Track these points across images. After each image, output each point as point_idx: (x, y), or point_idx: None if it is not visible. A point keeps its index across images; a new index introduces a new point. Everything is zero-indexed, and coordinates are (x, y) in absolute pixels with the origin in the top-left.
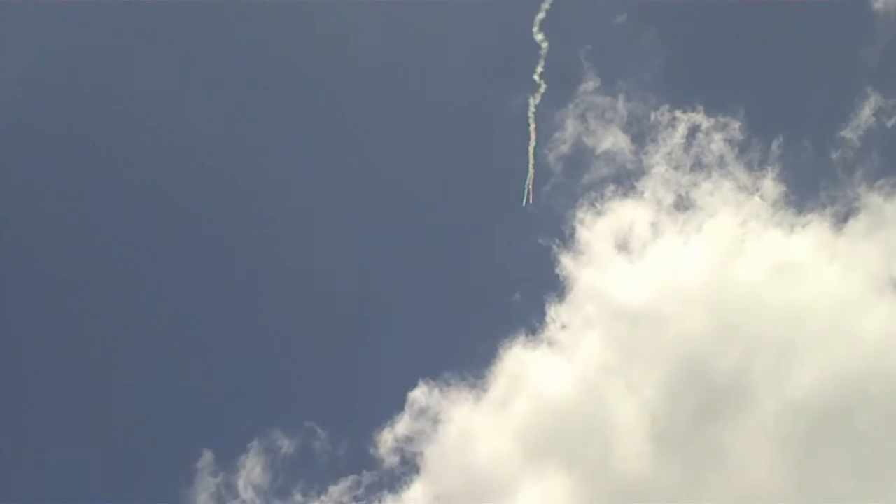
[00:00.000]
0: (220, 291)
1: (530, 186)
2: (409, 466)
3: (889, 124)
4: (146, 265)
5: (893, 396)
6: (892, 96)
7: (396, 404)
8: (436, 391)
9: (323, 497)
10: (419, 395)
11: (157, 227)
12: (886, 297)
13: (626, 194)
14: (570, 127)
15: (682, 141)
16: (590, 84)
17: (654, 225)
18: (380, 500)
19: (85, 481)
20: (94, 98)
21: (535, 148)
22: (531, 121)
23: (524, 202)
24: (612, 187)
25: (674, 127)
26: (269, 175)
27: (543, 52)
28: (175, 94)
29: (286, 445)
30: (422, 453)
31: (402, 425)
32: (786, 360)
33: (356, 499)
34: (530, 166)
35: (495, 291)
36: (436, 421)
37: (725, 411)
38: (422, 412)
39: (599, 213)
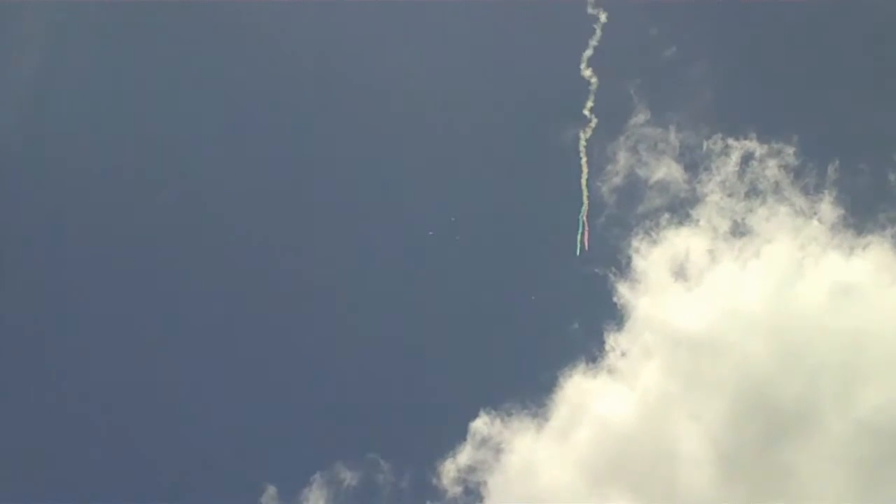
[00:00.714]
0: (283, 323)
1: (585, 233)
2: (472, 496)
3: None
4: (207, 298)
5: None
6: None
7: (458, 434)
8: (497, 421)
9: None
10: (481, 424)
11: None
12: None
13: (681, 222)
14: (623, 159)
15: (736, 168)
16: (640, 117)
17: (710, 252)
18: None
19: None
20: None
21: (587, 180)
22: (582, 154)
23: (579, 251)
24: (666, 216)
25: (727, 155)
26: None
27: (593, 87)
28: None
29: (349, 478)
30: (485, 483)
31: (465, 455)
32: (851, 384)
33: None
34: (583, 217)
35: (554, 321)
36: (498, 450)
37: (791, 437)
38: (484, 442)
39: (655, 242)
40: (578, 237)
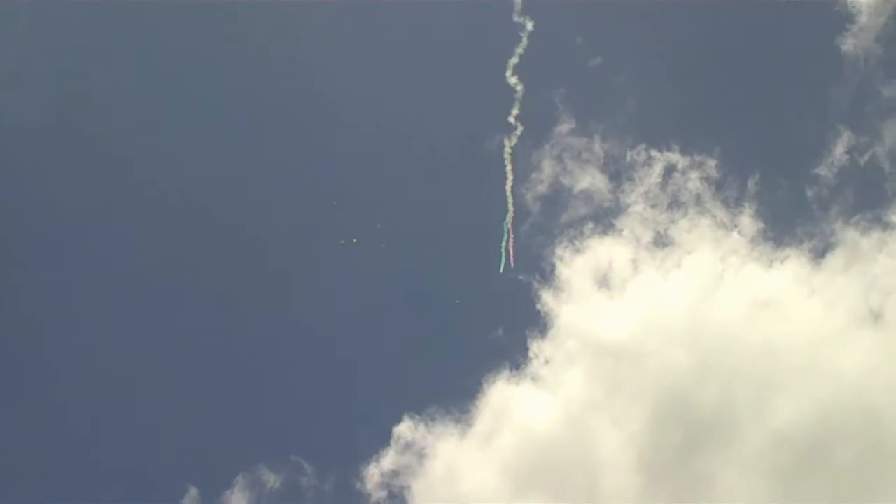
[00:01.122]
0: (207, 325)
1: (510, 245)
2: (396, 501)
3: (861, 161)
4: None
5: (873, 428)
6: (863, 134)
7: (382, 439)
8: (421, 426)
9: None
10: (405, 429)
11: (142, 243)
12: (864, 330)
13: (604, 232)
14: (548, 167)
15: (659, 179)
16: (566, 125)
17: (633, 261)
18: None
19: None
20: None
21: (512, 187)
22: (507, 161)
23: (502, 268)
24: (590, 225)
25: (650, 165)
26: (259, 202)
27: (518, 94)
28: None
29: (272, 480)
30: (409, 487)
31: (388, 460)
32: (767, 394)
33: None
34: (508, 224)
35: (478, 327)
36: (421, 455)
37: (709, 444)
38: (407, 447)
39: (579, 251)
40: (503, 251)
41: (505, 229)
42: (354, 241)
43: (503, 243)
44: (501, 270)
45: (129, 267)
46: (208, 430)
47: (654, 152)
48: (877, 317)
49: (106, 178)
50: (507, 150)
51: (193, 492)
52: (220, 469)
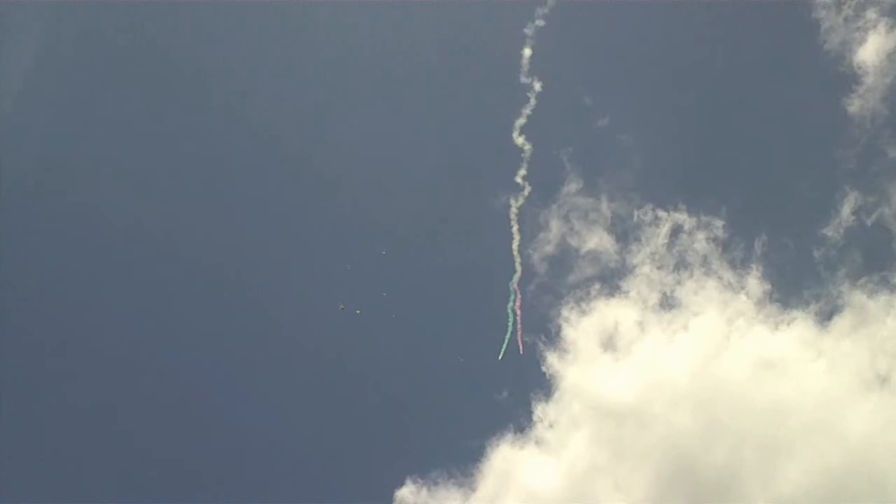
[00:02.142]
0: (214, 382)
1: (517, 312)
2: None
3: (869, 222)
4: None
5: (878, 492)
6: (870, 194)
7: (384, 503)
8: (423, 490)
9: None
10: (407, 493)
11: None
12: (871, 393)
13: (611, 293)
14: (555, 228)
15: (666, 241)
16: (573, 185)
17: (639, 323)
18: None
19: None
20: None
21: (519, 247)
22: (514, 221)
23: (502, 353)
24: (597, 286)
25: (657, 226)
26: (259, 252)
27: (526, 155)
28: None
29: None
30: None
31: None
32: (772, 457)
33: None
34: (514, 285)
35: (482, 389)
36: None
37: None
38: None
39: (584, 312)
40: (506, 339)
41: (511, 290)
42: (358, 312)
43: (510, 305)
44: (501, 357)
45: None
46: (212, 493)
47: (660, 212)
48: (883, 380)
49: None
50: (514, 210)
51: None
52: None
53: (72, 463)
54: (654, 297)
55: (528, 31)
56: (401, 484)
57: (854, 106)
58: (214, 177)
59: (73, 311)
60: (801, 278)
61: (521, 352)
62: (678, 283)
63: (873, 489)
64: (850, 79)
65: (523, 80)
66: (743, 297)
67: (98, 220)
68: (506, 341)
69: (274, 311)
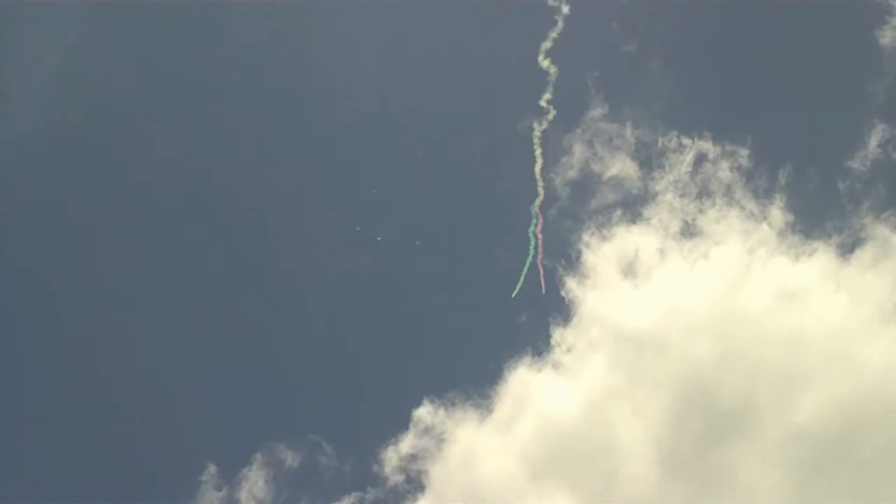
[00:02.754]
0: (227, 303)
1: (538, 235)
2: (413, 485)
3: (895, 154)
4: (156, 268)
5: (893, 424)
6: None
7: (401, 422)
8: (440, 410)
9: None
10: (424, 413)
11: (165, 229)
12: (890, 326)
13: (632, 220)
14: (578, 152)
15: (689, 169)
16: (598, 110)
17: (660, 251)
18: None
19: (91, 493)
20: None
21: (542, 171)
22: (537, 145)
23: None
24: (618, 212)
25: (681, 153)
26: (271, 181)
27: (552, 78)
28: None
29: (290, 459)
30: (426, 472)
31: (407, 443)
32: (790, 387)
33: None
34: (536, 209)
35: (501, 313)
36: (440, 440)
37: (730, 436)
38: (426, 431)
39: (605, 238)
40: (522, 276)
41: (532, 214)
42: (378, 239)
43: (531, 229)
44: (514, 295)
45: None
46: (227, 408)
47: (685, 140)
48: None
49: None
50: (537, 134)
51: (212, 469)
52: (238, 447)
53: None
54: (676, 225)
55: None
56: (418, 404)
57: (886, 38)
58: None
59: None
60: (824, 210)
61: (542, 279)
62: (700, 211)
63: (890, 421)
64: (884, 10)
65: (551, 2)
66: (765, 227)
67: None
68: (520, 281)
69: (291, 231)
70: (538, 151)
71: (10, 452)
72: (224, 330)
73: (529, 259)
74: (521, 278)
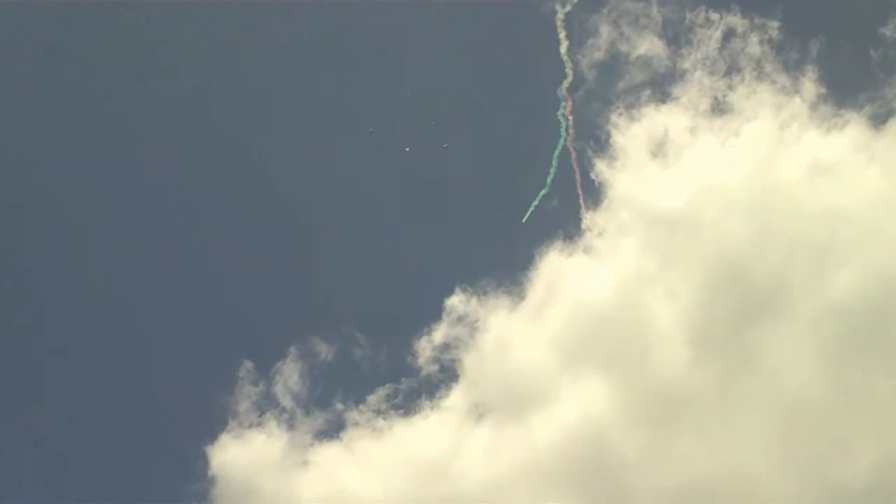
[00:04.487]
0: (260, 202)
1: (568, 118)
2: (447, 374)
3: None
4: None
5: None
6: None
7: (434, 312)
8: (473, 298)
9: (361, 406)
10: (456, 302)
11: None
12: None
13: (661, 100)
14: (604, 33)
15: (718, 45)
16: None
17: (690, 129)
18: (418, 408)
19: (127, 396)
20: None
21: (568, 52)
22: (561, 27)
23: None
24: (647, 92)
25: (709, 28)
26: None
27: None
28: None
29: (325, 351)
30: (460, 361)
31: (440, 333)
32: (824, 263)
33: (395, 406)
34: (563, 91)
35: (531, 198)
36: (473, 328)
37: (764, 315)
38: (459, 319)
39: (634, 119)
40: (553, 163)
41: (560, 97)
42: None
43: (559, 111)
44: (525, 220)
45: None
46: (259, 303)
47: (713, 14)
48: None
49: None
50: (560, 15)
51: (248, 364)
52: (272, 341)
53: None
54: (706, 103)
55: None
56: (451, 292)
57: None
58: None
59: None
60: (856, 80)
61: (575, 163)
62: (730, 87)
63: None
64: None
65: None
66: (797, 100)
67: None
68: (534, 203)
69: (315, 119)
70: (563, 34)
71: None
72: (256, 225)
73: (561, 142)
74: (552, 169)
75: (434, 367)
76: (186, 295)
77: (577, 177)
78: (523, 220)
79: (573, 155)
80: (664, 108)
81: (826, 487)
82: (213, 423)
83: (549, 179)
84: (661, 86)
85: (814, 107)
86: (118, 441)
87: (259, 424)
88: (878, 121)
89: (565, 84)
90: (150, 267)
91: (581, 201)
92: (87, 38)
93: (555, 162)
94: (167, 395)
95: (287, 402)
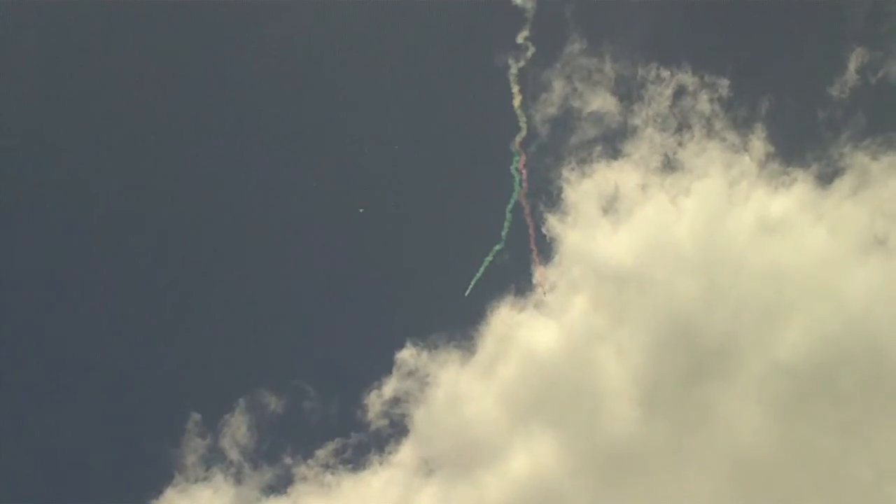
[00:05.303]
0: (207, 249)
1: (521, 172)
2: (396, 429)
3: (874, 81)
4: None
5: (877, 356)
6: (877, 50)
7: (384, 365)
8: (424, 353)
9: (310, 461)
10: (407, 356)
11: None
12: (871, 256)
13: (613, 156)
14: (557, 88)
15: (669, 102)
16: (576, 45)
17: (641, 186)
18: (367, 463)
19: (73, 444)
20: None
21: (521, 106)
22: (514, 83)
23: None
24: (599, 148)
25: (660, 84)
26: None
27: (529, 14)
28: None
29: (273, 403)
30: (410, 415)
31: (390, 387)
32: (771, 322)
33: (344, 461)
34: (516, 147)
35: (482, 253)
36: (423, 383)
37: (713, 373)
38: (410, 374)
39: (586, 175)
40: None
41: (514, 151)
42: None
43: (513, 166)
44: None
45: None
46: (208, 354)
47: (664, 72)
48: (881, 243)
49: None
50: (513, 71)
51: (195, 416)
52: (221, 393)
53: None
54: (657, 160)
55: None
56: (401, 346)
57: None
58: None
59: None
60: (804, 139)
61: (528, 217)
62: (680, 144)
63: (871, 354)
64: None
65: None
66: (746, 158)
67: None
68: (473, 281)
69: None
70: (516, 88)
71: None
72: (203, 276)
73: (514, 196)
74: (506, 223)
75: (384, 422)
76: (134, 343)
77: (531, 231)
78: (466, 293)
79: (526, 209)
80: (615, 164)
81: None
82: (159, 477)
83: (503, 234)
84: (613, 142)
85: (762, 165)
86: (59, 492)
87: (206, 479)
88: (825, 179)
89: (518, 138)
90: (96, 311)
91: (534, 256)
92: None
93: (508, 216)
94: (111, 447)
95: (235, 455)
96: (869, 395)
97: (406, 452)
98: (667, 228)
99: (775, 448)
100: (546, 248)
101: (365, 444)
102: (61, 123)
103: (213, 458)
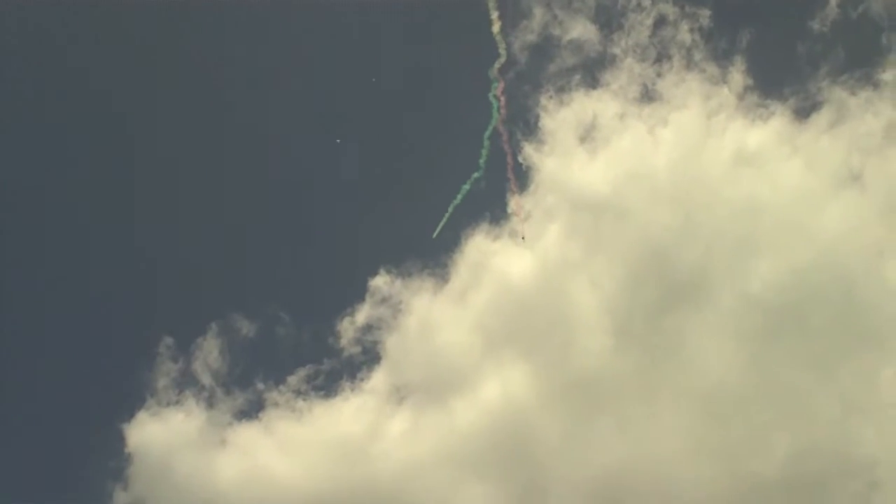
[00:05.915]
0: (184, 175)
1: (500, 99)
2: (369, 356)
3: (854, 15)
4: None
5: (848, 291)
6: None
7: (358, 292)
8: (397, 280)
9: (282, 386)
10: (380, 283)
11: None
12: (845, 191)
13: (591, 85)
14: (538, 15)
15: (649, 32)
16: None
17: (619, 116)
18: (339, 389)
19: (42, 364)
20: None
21: (501, 32)
22: (492, 8)
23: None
24: (577, 77)
25: (641, 13)
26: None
27: None
28: None
29: (246, 328)
30: (382, 342)
31: (363, 314)
32: (744, 255)
33: (315, 388)
34: (493, 73)
35: (458, 180)
36: (396, 310)
37: (685, 305)
38: (383, 301)
39: (564, 103)
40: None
41: (492, 77)
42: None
43: (491, 93)
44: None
45: None
46: (181, 277)
47: (644, 1)
48: (856, 178)
49: None
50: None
51: (168, 340)
52: (193, 317)
53: None
54: (635, 90)
55: None
56: (374, 273)
57: None
58: None
59: None
60: (783, 73)
61: (506, 144)
62: (659, 75)
63: (842, 288)
64: None
65: None
66: (725, 90)
67: None
68: (442, 221)
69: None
70: (495, 14)
71: None
72: (180, 201)
73: (492, 123)
74: (484, 151)
75: (356, 349)
76: (106, 265)
77: (509, 160)
78: (434, 235)
79: (504, 136)
80: (594, 93)
81: (742, 474)
82: (131, 400)
83: (481, 162)
84: (592, 71)
85: (740, 97)
86: (32, 415)
87: (178, 402)
88: (803, 114)
89: (497, 65)
90: (70, 239)
91: (511, 185)
92: None
93: (486, 143)
94: (82, 370)
95: (207, 380)
96: (839, 329)
97: (378, 379)
98: (643, 159)
99: (745, 379)
100: (522, 177)
101: (337, 371)
102: None
103: (186, 382)
